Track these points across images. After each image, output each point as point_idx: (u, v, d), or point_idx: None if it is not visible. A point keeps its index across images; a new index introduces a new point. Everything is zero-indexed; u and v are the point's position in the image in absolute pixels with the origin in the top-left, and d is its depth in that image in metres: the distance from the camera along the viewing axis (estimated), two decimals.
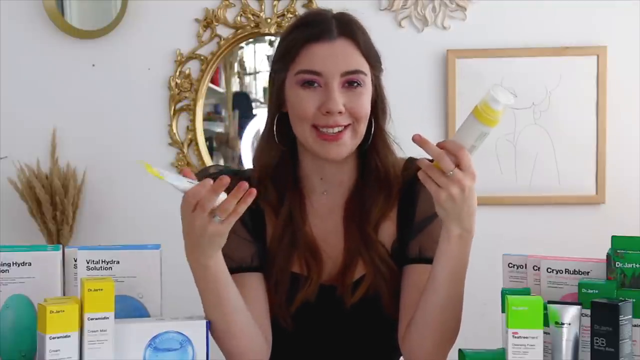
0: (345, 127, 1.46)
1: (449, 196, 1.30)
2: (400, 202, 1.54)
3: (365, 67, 1.48)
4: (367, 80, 1.48)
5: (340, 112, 1.44)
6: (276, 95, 1.52)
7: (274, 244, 1.52)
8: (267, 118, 1.56)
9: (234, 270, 1.51)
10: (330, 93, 1.44)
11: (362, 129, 1.48)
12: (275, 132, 1.53)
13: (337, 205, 1.55)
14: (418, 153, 1.55)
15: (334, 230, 1.54)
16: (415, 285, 1.47)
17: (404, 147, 1.58)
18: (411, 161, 1.56)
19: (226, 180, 1.25)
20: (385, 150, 1.54)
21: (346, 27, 1.48)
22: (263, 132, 1.57)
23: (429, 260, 1.45)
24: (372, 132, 1.52)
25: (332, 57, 1.45)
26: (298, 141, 1.53)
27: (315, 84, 1.45)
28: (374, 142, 1.53)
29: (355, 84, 1.46)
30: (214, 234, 1.30)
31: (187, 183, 1.30)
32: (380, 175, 1.53)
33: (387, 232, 1.53)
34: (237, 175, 1.58)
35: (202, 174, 1.61)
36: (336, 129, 1.45)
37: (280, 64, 1.50)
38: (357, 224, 1.52)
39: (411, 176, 1.53)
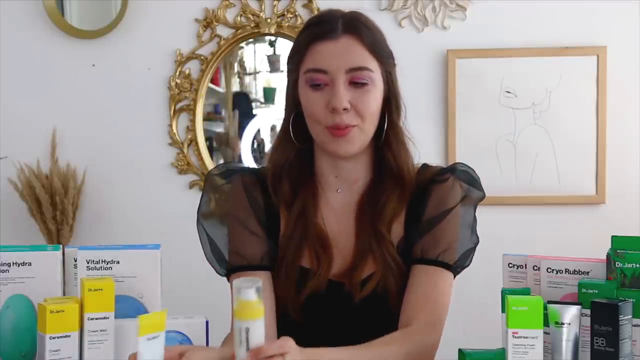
0: (353, 126, 1.47)
1: None
2: (410, 204, 1.54)
3: (371, 63, 1.48)
4: (375, 76, 1.49)
5: (345, 109, 1.45)
6: (291, 94, 1.55)
7: (286, 236, 1.53)
8: (284, 117, 1.57)
9: (244, 268, 1.52)
10: (335, 90, 1.46)
11: (369, 127, 1.49)
12: (291, 131, 1.54)
13: (351, 202, 1.56)
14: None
15: (346, 227, 1.55)
16: (415, 285, 1.48)
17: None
18: (425, 167, 1.58)
19: None
20: (399, 146, 1.54)
21: (351, 24, 1.49)
22: (279, 131, 1.59)
23: (430, 261, 1.48)
24: (385, 128, 1.53)
25: (337, 54, 1.46)
26: (314, 139, 1.54)
27: (323, 85, 1.47)
28: (387, 139, 1.54)
29: (362, 83, 1.47)
30: None
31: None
32: (394, 173, 1.54)
33: (395, 231, 1.54)
34: (254, 172, 1.59)
35: (214, 171, 1.61)
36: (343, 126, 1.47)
37: (291, 64, 1.53)
38: (369, 221, 1.53)
39: (424, 181, 1.54)
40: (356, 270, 1.51)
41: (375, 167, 1.56)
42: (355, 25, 1.49)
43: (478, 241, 1.55)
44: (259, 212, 1.55)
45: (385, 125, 1.53)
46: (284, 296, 1.51)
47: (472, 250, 1.54)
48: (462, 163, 1.59)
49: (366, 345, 1.39)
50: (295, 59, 1.51)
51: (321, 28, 1.49)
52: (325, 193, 1.57)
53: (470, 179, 1.55)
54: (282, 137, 1.57)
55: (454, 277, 1.53)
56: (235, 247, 1.53)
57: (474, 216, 1.55)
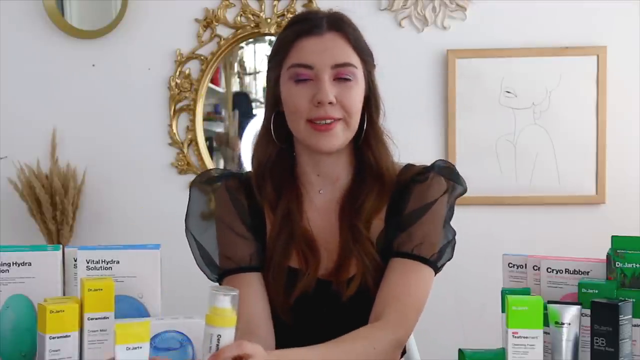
0: (338, 119, 1.48)
1: None
2: (391, 202, 1.55)
3: (355, 60, 1.51)
4: (359, 73, 1.51)
5: (331, 103, 1.47)
6: (272, 92, 1.55)
7: (272, 238, 1.54)
8: (264, 116, 1.58)
9: (233, 271, 1.52)
10: (321, 85, 1.47)
11: (354, 122, 1.51)
12: (272, 130, 1.55)
13: (333, 201, 1.57)
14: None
15: (330, 226, 1.55)
16: (388, 279, 1.49)
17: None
18: (408, 167, 1.58)
19: None
20: (379, 145, 1.56)
21: (335, 22, 1.52)
22: (260, 130, 1.60)
23: (405, 255, 1.49)
24: (365, 127, 1.54)
25: (322, 50, 1.48)
26: (295, 138, 1.55)
27: (307, 79, 1.48)
28: (366, 137, 1.55)
29: (346, 78, 1.49)
30: None
31: None
32: (374, 171, 1.55)
33: (376, 229, 1.54)
34: (237, 177, 1.60)
35: (204, 176, 1.62)
36: (328, 120, 1.48)
37: (274, 61, 1.54)
38: (348, 220, 1.53)
39: (406, 180, 1.55)
40: (342, 269, 1.52)
41: (355, 166, 1.57)
42: (339, 23, 1.52)
43: (455, 233, 1.55)
44: (244, 215, 1.56)
45: (365, 124, 1.54)
46: (274, 298, 1.52)
47: (449, 243, 1.54)
48: (442, 160, 1.60)
49: (334, 343, 1.38)
50: (279, 55, 1.52)
51: (306, 24, 1.51)
52: (308, 194, 1.57)
53: (450, 174, 1.56)
54: (263, 136, 1.58)
55: (435, 272, 1.52)
56: (224, 251, 1.54)
57: (452, 210, 1.56)
